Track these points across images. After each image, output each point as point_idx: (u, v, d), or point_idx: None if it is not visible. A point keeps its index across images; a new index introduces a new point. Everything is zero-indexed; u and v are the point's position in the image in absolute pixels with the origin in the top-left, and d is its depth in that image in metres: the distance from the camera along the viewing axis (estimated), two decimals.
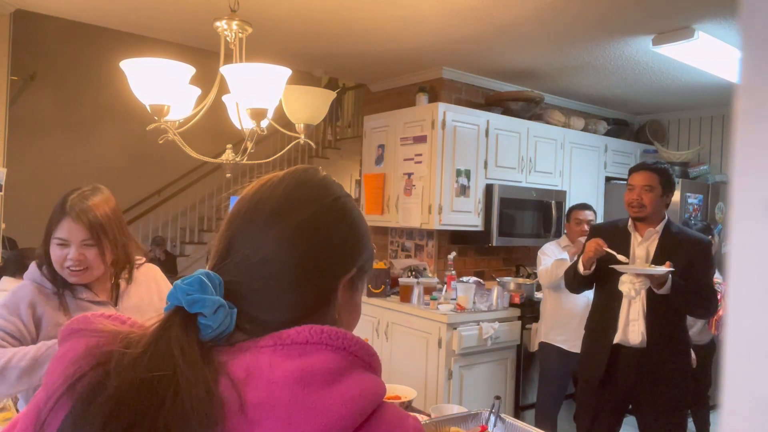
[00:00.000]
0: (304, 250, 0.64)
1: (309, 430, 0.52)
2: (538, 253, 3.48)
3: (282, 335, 0.58)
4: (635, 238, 2.53)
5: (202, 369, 0.56)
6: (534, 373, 3.71)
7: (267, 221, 0.64)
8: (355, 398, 0.55)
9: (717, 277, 3.46)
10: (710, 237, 3.30)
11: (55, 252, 1.47)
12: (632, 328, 2.44)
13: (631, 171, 2.59)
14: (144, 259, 1.72)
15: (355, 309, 0.72)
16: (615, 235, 2.55)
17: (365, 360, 0.59)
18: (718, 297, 3.35)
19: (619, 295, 2.46)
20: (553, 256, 3.36)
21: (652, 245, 2.49)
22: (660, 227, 2.50)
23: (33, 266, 1.54)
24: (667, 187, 2.51)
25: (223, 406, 0.53)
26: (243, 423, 0.53)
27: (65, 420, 0.54)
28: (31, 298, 1.47)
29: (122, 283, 1.62)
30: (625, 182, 2.60)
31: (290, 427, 0.52)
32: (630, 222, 2.57)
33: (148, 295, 1.66)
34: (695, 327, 3.47)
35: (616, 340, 2.45)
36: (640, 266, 2.41)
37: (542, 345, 3.43)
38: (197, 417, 0.53)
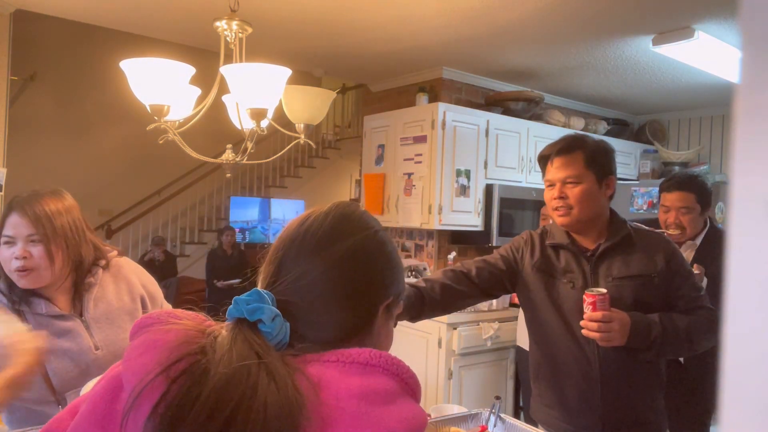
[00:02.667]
0: (348, 275, 0.71)
1: None
2: None
3: (344, 353, 0.65)
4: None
5: (282, 362, 0.62)
6: None
7: (316, 247, 0.71)
8: (409, 419, 0.61)
9: None
10: None
11: (3, 252, 1.36)
12: None
13: (665, 188, 2.42)
14: (114, 254, 1.58)
15: (389, 334, 0.78)
16: None
17: (413, 388, 0.66)
18: None
19: None
20: None
21: (690, 255, 2.39)
22: (699, 239, 2.40)
23: None
24: (707, 204, 2.39)
25: (304, 398, 0.59)
26: (316, 422, 0.58)
27: (163, 399, 0.58)
28: None
29: (84, 292, 1.48)
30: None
31: None
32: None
33: (117, 299, 1.53)
34: None
35: None
36: None
37: (517, 349, 3.41)
38: (289, 400, 0.58)
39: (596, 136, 1.86)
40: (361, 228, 0.74)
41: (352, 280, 0.71)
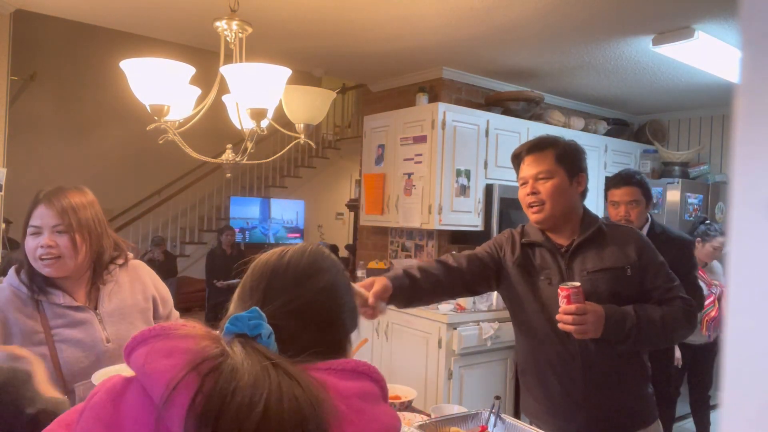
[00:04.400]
0: (328, 304, 0.82)
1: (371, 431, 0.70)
2: None
3: (334, 363, 0.75)
4: None
5: (293, 365, 0.70)
6: None
7: (300, 278, 0.81)
8: (394, 417, 0.75)
9: (714, 280, 3.47)
10: (700, 237, 3.36)
11: (29, 242, 1.43)
12: None
13: (612, 185, 2.55)
14: (131, 255, 1.66)
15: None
16: None
17: (386, 393, 0.78)
18: (712, 298, 3.39)
19: None
20: None
21: None
22: (644, 232, 2.51)
23: (11, 271, 1.49)
24: (650, 198, 2.54)
25: (325, 392, 0.68)
26: (334, 414, 0.67)
27: (200, 392, 0.63)
28: (2, 304, 1.43)
29: (101, 286, 1.55)
30: None
31: (358, 428, 0.69)
32: None
33: (131, 297, 1.60)
34: None
35: None
36: None
37: None
38: (314, 393, 0.67)
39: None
40: (333, 265, 0.86)
41: (331, 309, 0.82)
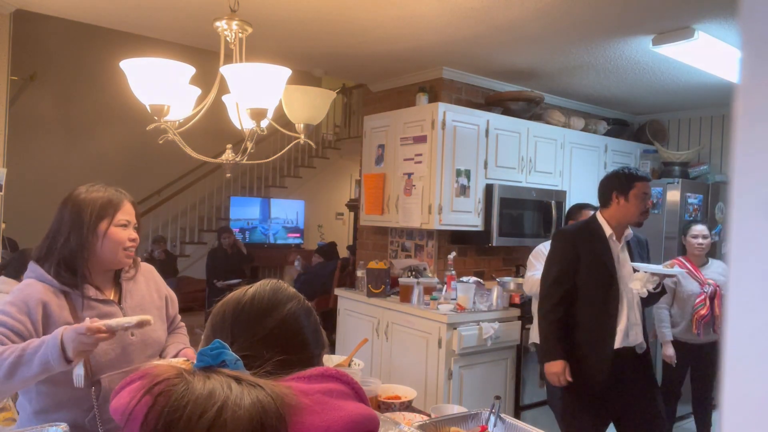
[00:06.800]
0: (294, 327, 0.90)
1: (335, 421, 0.76)
2: (530, 256, 3.41)
3: (302, 372, 0.82)
4: (615, 243, 2.56)
5: (256, 376, 0.76)
6: (534, 374, 3.71)
7: (265, 310, 0.89)
8: (363, 410, 0.79)
9: (709, 278, 3.47)
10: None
11: (120, 234, 1.56)
12: (635, 330, 2.50)
13: (642, 179, 2.56)
14: (138, 258, 1.74)
15: None
16: (593, 238, 2.57)
17: (362, 395, 0.83)
18: (702, 296, 3.42)
19: (615, 301, 2.47)
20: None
21: (625, 248, 2.59)
22: (629, 230, 2.63)
23: (34, 265, 1.51)
24: None
25: (288, 390, 0.75)
26: (296, 409, 0.74)
27: (151, 411, 0.70)
28: (41, 296, 1.45)
29: (123, 283, 1.63)
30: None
31: (322, 417, 0.76)
32: (606, 226, 2.58)
33: (149, 294, 1.69)
34: (680, 326, 3.49)
35: (618, 344, 2.45)
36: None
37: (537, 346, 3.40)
38: (276, 392, 0.73)
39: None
40: (293, 296, 0.94)
41: (295, 333, 0.90)
